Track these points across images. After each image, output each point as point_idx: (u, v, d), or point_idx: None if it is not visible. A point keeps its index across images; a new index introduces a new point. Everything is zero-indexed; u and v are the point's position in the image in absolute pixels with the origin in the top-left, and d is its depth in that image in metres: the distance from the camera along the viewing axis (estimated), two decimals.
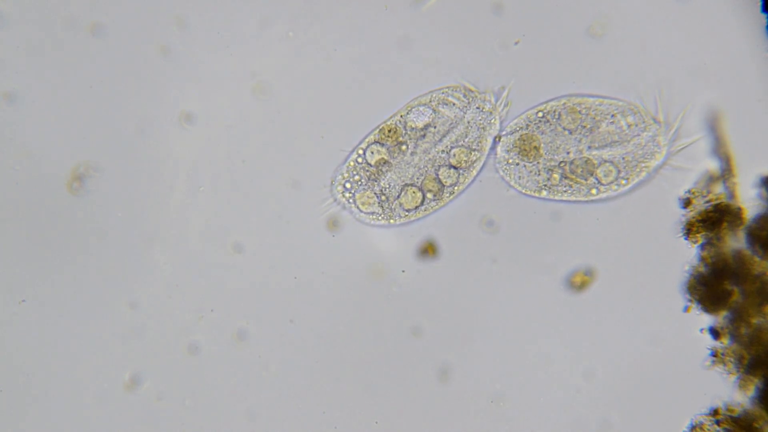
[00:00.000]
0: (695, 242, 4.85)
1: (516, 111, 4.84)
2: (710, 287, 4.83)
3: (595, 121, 4.72)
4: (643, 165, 4.77)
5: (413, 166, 4.82)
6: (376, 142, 4.81)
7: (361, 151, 4.83)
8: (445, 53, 4.86)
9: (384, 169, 4.81)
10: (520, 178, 4.85)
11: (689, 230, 4.85)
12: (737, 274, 4.82)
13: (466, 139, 4.81)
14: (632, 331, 4.92)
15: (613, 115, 4.76)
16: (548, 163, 4.81)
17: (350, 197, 4.83)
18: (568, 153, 4.79)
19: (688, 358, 4.88)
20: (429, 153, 4.80)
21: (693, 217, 4.85)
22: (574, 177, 4.76)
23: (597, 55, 4.88)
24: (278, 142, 4.91)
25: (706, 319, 4.87)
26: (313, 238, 4.92)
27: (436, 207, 4.84)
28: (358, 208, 4.84)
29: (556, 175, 4.74)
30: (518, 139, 4.78)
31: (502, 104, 4.79)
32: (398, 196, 4.81)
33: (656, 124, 4.78)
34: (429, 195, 4.80)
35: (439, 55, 4.85)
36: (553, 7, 4.88)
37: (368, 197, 4.81)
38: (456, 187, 4.82)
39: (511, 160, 4.83)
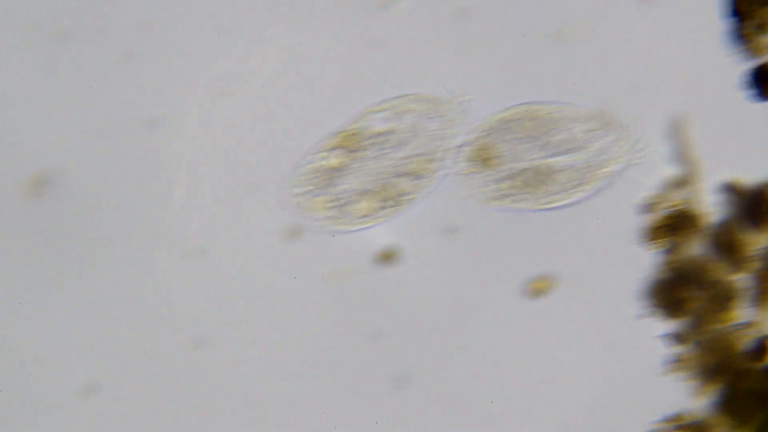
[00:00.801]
0: (655, 248, 4.85)
1: (477, 118, 4.81)
2: (670, 293, 4.83)
3: (553, 128, 4.70)
4: (602, 171, 4.75)
5: (371, 171, 4.78)
6: (336, 146, 4.78)
7: (321, 155, 4.79)
8: (410, 59, 4.83)
9: (341, 174, 4.78)
10: (478, 186, 4.82)
11: (650, 236, 4.84)
12: (697, 280, 4.82)
13: (424, 149, 4.78)
14: (590, 337, 4.91)
15: (572, 122, 4.74)
16: (510, 171, 4.78)
17: (306, 200, 4.80)
18: (528, 160, 4.77)
19: (646, 365, 4.88)
20: (388, 160, 4.77)
21: (653, 223, 4.84)
22: (535, 184, 4.74)
23: (561, 60, 4.85)
24: (239, 146, 4.87)
25: (665, 326, 4.87)
26: (274, 245, 4.89)
27: (393, 214, 4.81)
28: (313, 211, 4.80)
29: (516, 183, 4.72)
30: (479, 147, 4.75)
31: (463, 112, 4.76)
32: (355, 202, 4.79)
33: (617, 130, 4.76)
34: (387, 202, 4.78)
35: (405, 61, 4.82)
36: (520, 12, 4.85)
37: (324, 201, 4.78)
38: (414, 195, 4.80)
39: (470, 169, 4.81)
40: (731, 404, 4.83)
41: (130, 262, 4.87)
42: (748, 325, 4.82)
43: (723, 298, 4.80)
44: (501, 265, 4.90)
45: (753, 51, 4.77)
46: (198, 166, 4.85)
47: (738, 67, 4.81)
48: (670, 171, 4.86)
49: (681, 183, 4.85)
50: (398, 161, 4.78)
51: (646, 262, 4.85)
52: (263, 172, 4.87)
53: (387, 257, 4.89)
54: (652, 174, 4.86)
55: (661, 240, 4.83)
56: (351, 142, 4.74)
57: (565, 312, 4.92)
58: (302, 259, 4.89)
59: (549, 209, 4.81)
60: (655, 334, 4.88)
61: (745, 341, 4.82)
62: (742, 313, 4.82)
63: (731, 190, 4.83)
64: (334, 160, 4.77)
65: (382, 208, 4.79)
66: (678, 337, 4.86)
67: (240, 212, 4.89)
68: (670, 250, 4.84)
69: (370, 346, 4.92)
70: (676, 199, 4.85)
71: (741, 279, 4.82)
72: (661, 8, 4.84)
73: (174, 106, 4.85)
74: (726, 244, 4.81)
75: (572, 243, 4.91)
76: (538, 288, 4.89)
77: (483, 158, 4.70)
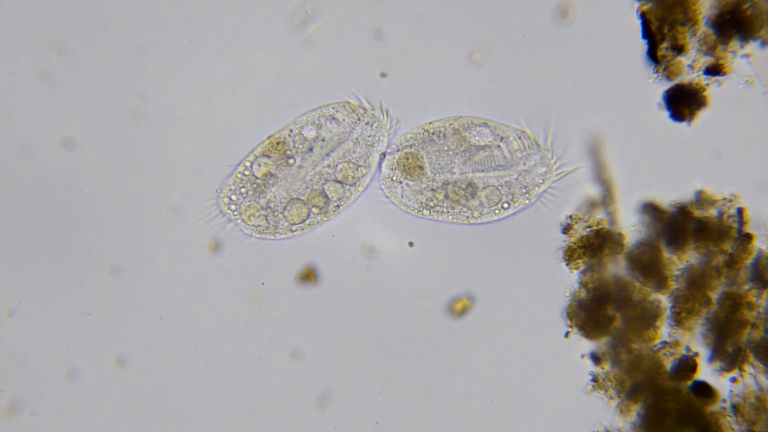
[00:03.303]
0: (576, 268, 4.86)
1: (404, 129, 4.85)
2: (591, 313, 4.84)
3: (480, 145, 4.74)
4: (526, 191, 4.78)
5: (300, 179, 4.81)
6: (263, 154, 4.81)
7: (248, 164, 4.82)
8: (336, 68, 4.87)
9: (270, 182, 4.80)
10: (402, 196, 4.85)
11: (570, 256, 4.86)
12: (618, 299, 4.83)
13: (353, 155, 4.81)
14: (513, 355, 4.92)
15: (501, 139, 4.77)
16: (432, 183, 4.81)
17: (235, 209, 4.82)
18: (452, 173, 4.80)
19: (569, 384, 4.88)
20: (316, 167, 4.81)
21: (574, 243, 4.86)
22: (456, 198, 4.76)
23: (480, 79, 4.89)
24: (161, 162, 4.90)
25: (587, 345, 4.87)
26: (198, 261, 4.91)
27: (322, 222, 4.83)
28: (242, 220, 4.83)
29: (439, 195, 4.74)
30: (403, 156, 4.79)
31: (391, 122, 4.80)
32: (284, 210, 4.81)
33: (541, 151, 4.79)
34: (315, 210, 4.80)
35: (332, 70, 4.87)
36: (434, 32, 4.90)
37: (254, 209, 4.81)
38: (342, 203, 4.82)
39: (395, 178, 4.84)
40: (654, 423, 4.82)
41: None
42: (669, 344, 4.83)
43: (644, 318, 4.81)
44: (423, 284, 4.92)
45: (668, 72, 4.82)
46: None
47: (657, 87, 4.86)
48: (589, 191, 4.88)
49: (600, 203, 4.88)
50: (324, 169, 4.81)
51: (567, 281, 4.86)
52: (190, 187, 4.90)
53: (308, 277, 4.91)
54: (572, 194, 4.89)
55: (581, 259, 4.85)
56: (278, 150, 4.77)
57: (487, 331, 4.93)
58: (228, 274, 4.91)
59: (471, 225, 4.83)
60: (576, 354, 4.88)
61: (667, 361, 4.82)
62: (663, 332, 4.83)
63: (651, 209, 4.86)
64: (262, 169, 4.80)
65: (310, 215, 4.81)
66: (600, 357, 4.87)
67: (165, 230, 4.91)
68: (590, 270, 4.85)
69: (290, 364, 4.93)
70: (596, 219, 4.88)
71: (662, 298, 4.83)
72: (579, 29, 4.89)
73: (89, 126, 4.88)
74: (646, 264, 4.83)
75: (494, 261, 4.92)
76: (461, 307, 4.90)
77: (407, 168, 4.73)
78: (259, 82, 4.88)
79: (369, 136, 4.81)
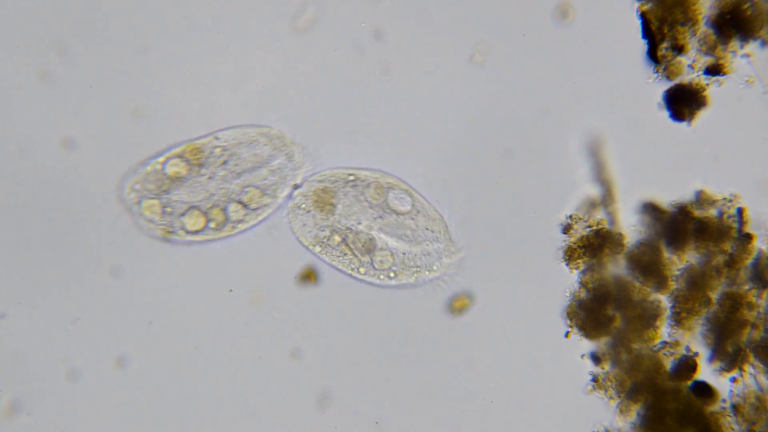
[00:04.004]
0: (576, 268, 4.86)
1: (327, 166, 4.84)
2: (591, 313, 4.84)
3: (395, 208, 4.76)
4: (416, 269, 4.80)
5: (206, 190, 4.81)
6: (179, 156, 4.80)
7: (162, 160, 4.81)
8: (336, 68, 4.88)
9: (177, 184, 4.79)
10: (303, 225, 4.84)
11: (570, 256, 4.86)
12: (618, 300, 4.83)
13: (264, 182, 4.81)
14: (513, 355, 4.92)
15: (418, 212, 4.79)
16: (335, 224, 4.81)
17: (137, 200, 4.80)
18: (359, 223, 4.80)
19: (569, 384, 4.88)
20: (225, 183, 4.80)
21: (573, 243, 4.86)
22: (352, 248, 4.77)
23: (481, 79, 4.90)
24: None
25: (587, 345, 4.87)
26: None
27: (214, 237, 4.83)
28: (141, 212, 4.80)
29: (337, 238, 4.76)
30: (320, 189, 4.78)
31: (308, 159, 4.81)
32: (182, 215, 4.80)
33: (448, 242, 4.81)
34: (212, 224, 4.80)
35: (332, 70, 4.87)
36: (434, 32, 4.90)
37: (153, 205, 4.80)
38: (240, 225, 4.82)
39: (304, 206, 4.83)
40: (654, 423, 4.82)
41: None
42: (669, 344, 4.83)
43: (644, 318, 4.82)
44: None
45: (668, 72, 4.82)
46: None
47: (657, 87, 4.86)
48: (589, 191, 4.88)
49: (600, 203, 4.88)
50: (233, 188, 4.81)
51: (567, 281, 4.87)
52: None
53: (309, 277, 4.91)
54: (572, 194, 4.89)
55: (581, 260, 4.85)
56: (194, 156, 4.76)
57: (487, 330, 4.93)
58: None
59: (350, 275, 4.85)
60: (576, 354, 4.88)
61: (667, 361, 4.82)
62: (663, 332, 4.83)
63: (651, 209, 4.86)
64: (173, 169, 4.79)
65: (207, 227, 4.81)
66: (600, 357, 4.87)
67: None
68: (590, 270, 4.85)
69: (289, 365, 4.93)
70: (596, 219, 4.88)
71: (662, 298, 4.83)
72: (579, 29, 4.89)
73: (89, 127, 4.89)
74: (646, 264, 4.83)
75: (495, 261, 4.93)
76: (461, 306, 4.90)
77: (320, 202, 4.74)
78: (259, 82, 4.87)
79: (286, 169, 4.80)
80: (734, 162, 4.87)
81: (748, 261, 4.80)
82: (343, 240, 4.70)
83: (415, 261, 4.78)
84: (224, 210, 4.75)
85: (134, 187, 4.79)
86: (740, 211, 4.81)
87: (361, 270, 4.80)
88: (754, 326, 4.77)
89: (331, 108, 4.87)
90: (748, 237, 4.80)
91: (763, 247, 4.81)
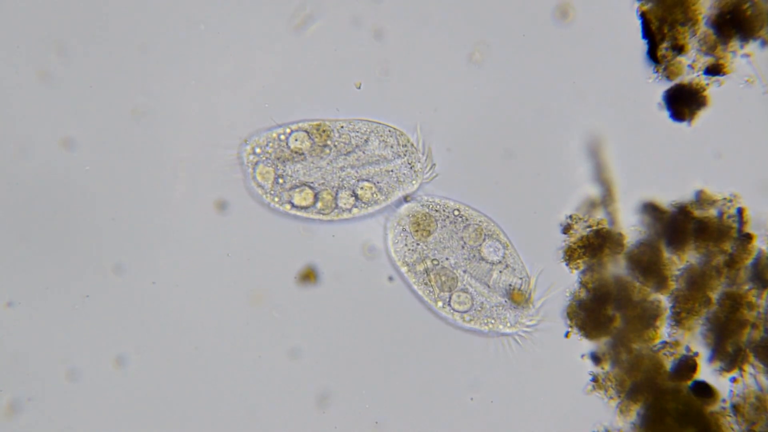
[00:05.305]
0: (576, 268, 4.86)
1: (439, 190, 4.85)
2: (591, 313, 4.84)
3: (486, 256, 4.78)
4: (491, 319, 4.81)
5: (322, 172, 4.81)
6: (306, 131, 4.79)
7: (288, 130, 4.81)
8: (336, 68, 4.88)
9: (296, 159, 4.79)
10: (396, 241, 4.85)
11: (570, 256, 4.86)
12: (618, 299, 4.83)
13: (381, 182, 4.81)
14: (513, 355, 4.91)
15: (506, 266, 4.80)
16: (426, 252, 4.82)
17: (254, 162, 4.80)
18: (447, 258, 4.81)
19: (569, 384, 4.88)
20: (343, 170, 4.80)
21: (573, 243, 4.86)
22: (434, 279, 4.78)
23: (480, 79, 4.90)
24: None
25: (587, 345, 4.87)
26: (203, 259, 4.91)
27: (317, 219, 4.83)
28: (253, 175, 4.80)
29: (421, 265, 4.77)
30: (422, 214, 4.79)
31: (430, 171, 4.81)
32: (292, 189, 4.80)
33: (523, 307, 4.82)
34: (320, 204, 4.80)
35: (332, 70, 4.87)
36: (434, 32, 4.90)
37: (268, 172, 4.80)
38: (345, 214, 4.82)
39: (402, 222, 4.83)
40: (654, 423, 4.82)
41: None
42: (669, 344, 4.83)
43: (644, 318, 4.82)
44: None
45: (668, 72, 4.82)
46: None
47: (657, 87, 4.86)
48: (589, 191, 4.88)
49: (600, 203, 4.88)
50: (351, 177, 4.81)
51: (567, 281, 4.87)
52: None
53: (308, 277, 4.91)
54: (572, 194, 4.89)
55: (581, 260, 4.85)
56: (321, 136, 4.76)
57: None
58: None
59: (423, 305, 4.86)
60: (576, 354, 4.88)
61: (667, 361, 4.82)
62: (663, 332, 4.83)
63: (651, 209, 4.86)
64: (295, 143, 4.79)
65: (308, 208, 4.81)
66: (600, 357, 4.87)
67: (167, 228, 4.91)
68: (590, 270, 4.85)
69: (289, 364, 4.94)
70: (596, 219, 4.88)
71: (662, 298, 4.83)
72: (579, 29, 4.89)
73: (90, 127, 4.89)
74: (646, 264, 4.83)
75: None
76: (521, 297, 4.88)
77: (417, 225, 4.74)
78: (259, 82, 4.88)
79: (404, 174, 4.81)
80: (734, 162, 4.87)
81: (748, 261, 4.80)
82: (426, 269, 4.72)
83: (491, 312, 4.80)
84: (335, 195, 4.74)
85: (255, 150, 4.78)
86: (740, 211, 4.81)
87: (437, 304, 4.81)
88: (754, 326, 4.77)
89: (331, 108, 4.87)
90: (748, 237, 4.80)
91: (763, 247, 4.81)
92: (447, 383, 4.92)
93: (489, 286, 4.70)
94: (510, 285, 4.65)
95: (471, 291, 4.77)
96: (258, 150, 4.78)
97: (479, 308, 4.79)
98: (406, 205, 4.77)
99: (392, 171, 4.80)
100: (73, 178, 4.86)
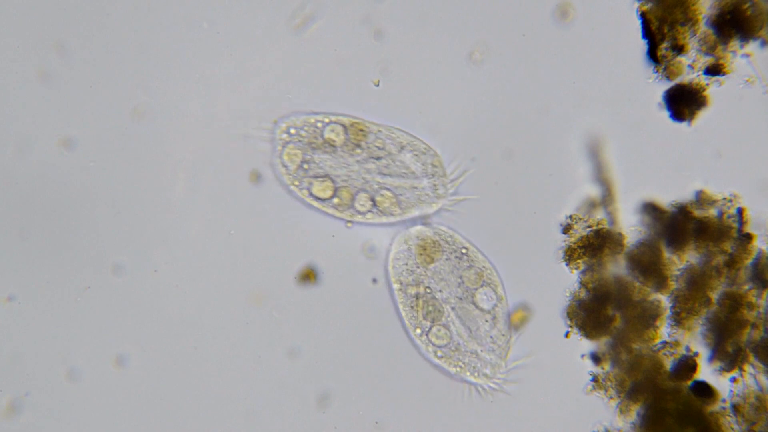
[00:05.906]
0: (576, 268, 4.86)
1: (461, 216, 4.85)
2: (591, 313, 4.84)
3: (477, 301, 4.78)
4: (462, 367, 4.82)
5: (348, 169, 4.80)
6: (343, 126, 4.79)
7: (327, 120, 4.80)
8: (336, 68, 4.87)
9: (327, 150, 4.78)
10: (397, 258, 4.84)
11: (570, 256, 4.86)
12: (618, 300, 4.83)
13: (402, 195, 4.82)
14: (513, 355, 4.91)
15: (494, 317, 4.80)
16: (422, 278, 4.82)
17: (285, 142, 4.79)
18: (440, 290, 4.81)
19: (569, 384, 4.88)
20: (369, 174, 4.80)
21: (573, 243, 4.86)
22: (420, 306, 4.78)
23: (480, 79, 4.89)
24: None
25: (587, 345, 4.87)
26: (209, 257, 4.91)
27: (330, 213, 4.83)
28: (281, 154, 4.78)
29: (413, 289, 4.77)
30: (432, 240, 4.79)
31: (455, 200, 4.82)
32: (315, 177, 4.79)
33: (503, 365, 4.82)
34: (336, 200, 4.79)
35: (332, 70, 4.87)
36: (434, 32, 4.90)
37: (295, 155, 4.79)
38: (360, 217, 4.82)
39: (410, 242, 4.83)
40: (654, 423, 4.82)
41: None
42: (669, 344, 4.83)
43: (644, 318, 4.81)
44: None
45: (668, 72, 4.82)
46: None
47: (657, 87, 4.86)
48: (589, 191, 4.88)
49: (600, 203, 4.88)
50: (374, 182, 4.81)
51: (567, 281, 4.86)
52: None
53: (308, 277, 4.91)
54: (572, 194, 4.89)
55: (581, 260, 4.85)
56: (357, 134, 4.76)
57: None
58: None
59: (403, 326, 4.85)
60: (576, 354, 4.88)
61: (667, 361, 4.82)
62: (663, 332, 4.82)
63: (651, 209, 4.86)
64: (331, 134, 4.78)
65: (326, 200, 4.81)
66: (600, 357, 4.87)
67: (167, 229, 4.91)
68: (590, 270, 4.85)
69: (288, 364, 4.94)
70: (596, 219, 4.88)
71: (662, 298, 4.83)
72: (579, 29, 4.89)
73: (89, 127, 4.89)
74: (646, 264, 4.83)
75: (493, 260, 4.92)
76: (520, 319, 4.89)
77: (423, 249, 4.75)
78: (259, 82, 4.88)
79: (426, 195, 4.81)
80: (734, 162, 4.87)
81: (748, 261, 4.80)
82: (417, 294, 4.72)
83: (463, 357, 4.81)
84: (354, 195, 4.74)
85: (289, 130, 4.78)
86: (740, 211, 4.81)
87: (416, 331, 4.81)
88: (754, 326, 4.77)
89: (331, 108, 4.87)
90: (748, 237, 4.80)
91: (763, 247, 4.81)
92: (447, 383, 4.92)
93: (471, 331, 4.72)
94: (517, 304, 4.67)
95: (452, 330, 4.78)
96: (293, 131, 4.77)
97: (454, 348, 4.80)
98: (419, 227, 4.77)
99: (417, 188, 4.80)
100: (74, 178, 4.86)
